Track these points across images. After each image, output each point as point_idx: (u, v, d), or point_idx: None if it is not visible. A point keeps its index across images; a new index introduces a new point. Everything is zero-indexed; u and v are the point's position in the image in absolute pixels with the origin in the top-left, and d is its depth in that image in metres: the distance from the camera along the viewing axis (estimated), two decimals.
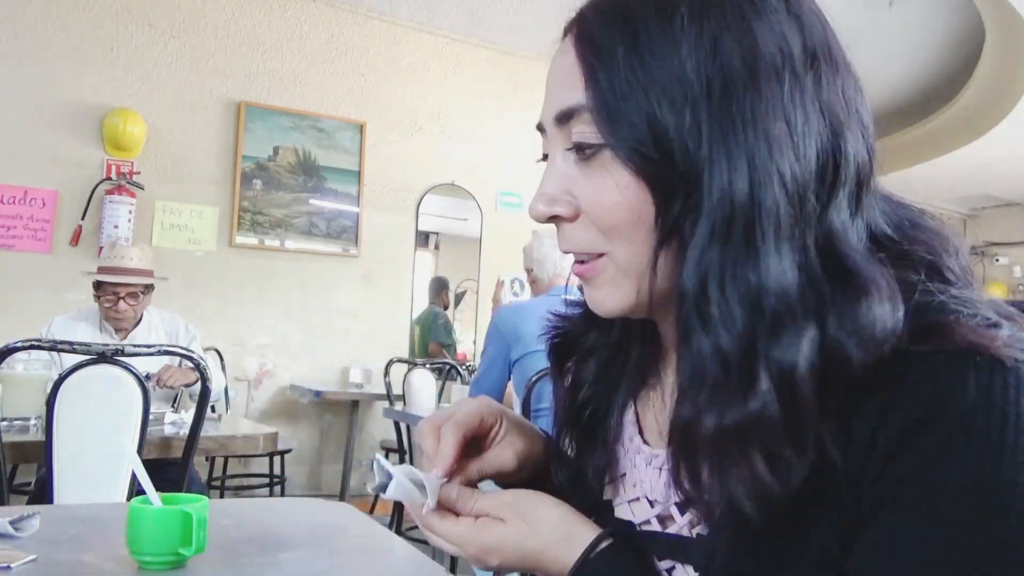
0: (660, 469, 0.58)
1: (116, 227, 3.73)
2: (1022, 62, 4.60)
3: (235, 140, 4.14)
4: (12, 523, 0.83)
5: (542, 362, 2.35)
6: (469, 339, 5.01)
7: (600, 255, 0.53)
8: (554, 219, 0.54)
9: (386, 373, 3.80)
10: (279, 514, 0.99)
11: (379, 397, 4.01)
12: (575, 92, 0.51)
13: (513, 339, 2.45)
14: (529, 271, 2.72)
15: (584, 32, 0.52)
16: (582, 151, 0.51)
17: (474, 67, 4.90)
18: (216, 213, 4.08)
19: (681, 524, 0.56)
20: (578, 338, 0.66)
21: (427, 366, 3.80)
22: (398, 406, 3.55)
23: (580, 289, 0.61)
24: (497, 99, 4.94)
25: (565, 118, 0.52)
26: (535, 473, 0.67)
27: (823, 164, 0.47)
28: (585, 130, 0.51)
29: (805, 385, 0.44)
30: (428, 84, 4.72)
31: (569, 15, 0.55)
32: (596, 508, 0.62)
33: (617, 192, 0.50)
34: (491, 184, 4.90)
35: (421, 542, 2.97)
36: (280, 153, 4.26)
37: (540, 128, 0.56)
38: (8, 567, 0.72)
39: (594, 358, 0.65)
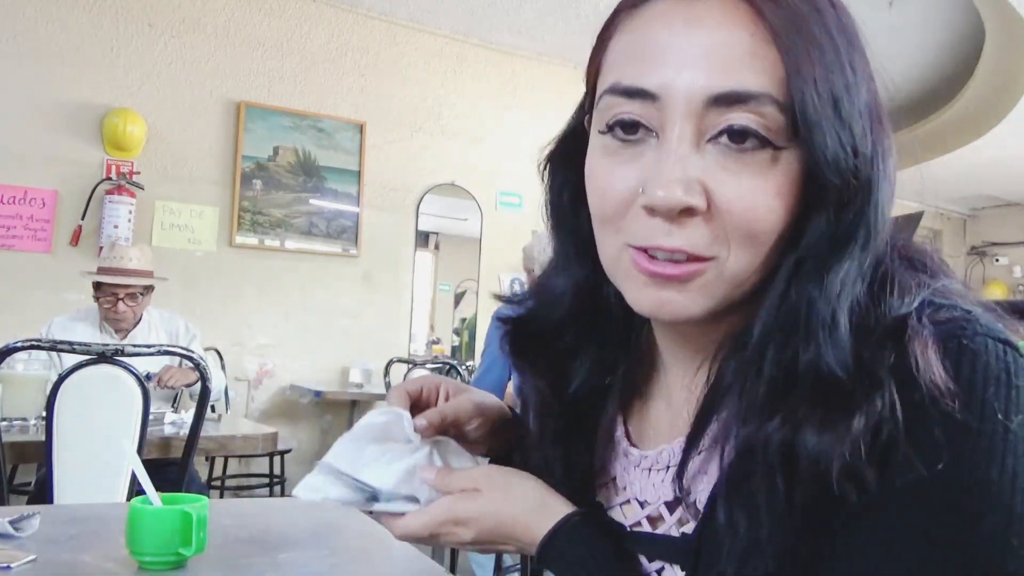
0: (649, 471, 0.58)
1: (116, 227, 3.73)
2: (1022, 62, 4.60)
3: (235, 140, 4.14)
4: (12, 523, 0.83)
5: None
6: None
7: (709, 259, 0.47)
8: (682, 214, 0.46)
9: (386, 373, 3.80)
10: (279, 514, 0.99)
11: (379, 397, 4.01)
12: (759, 76, 0.45)
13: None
14: (530, 271, 2.72)
15: (781, 5, 0.46)
16: (735, 143, 0.45)
17: (474, 67, 4.90)
18: (216, 213, 4.08)
19: (670, 524, 0.56)
20: (536, 331, 0.63)
21: (427, 366, 3.80)
22: None
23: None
24: (497, 99, 4.94)
25: (731, 101, 0.45)
26: (494, 430, 0.70)
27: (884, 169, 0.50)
28: (759, 122, 0.45)
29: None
30: (428, 84, 4.72)
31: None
32: (590, 508, 0.62)
33: (775, 198, 0.46)
34: (491, 184, 4.90)
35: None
36: (280, 153, 4.25)
37: (640, 94, 0.47)
38: (8, 567, 0.72)
39: (579, 361, 0.62)
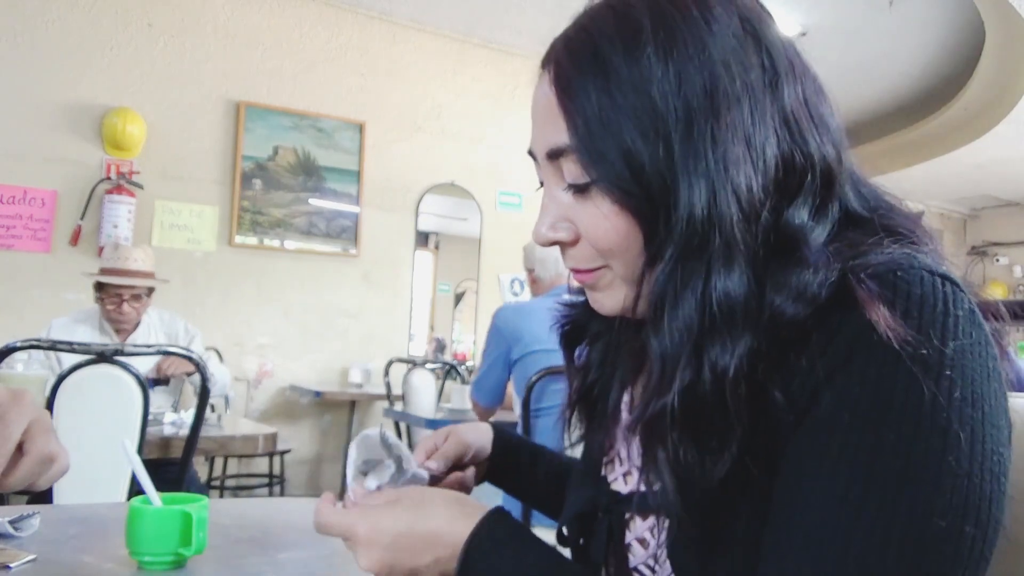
0: None
1: (116, 227, 3.73)
2: (1022, 62, 4.60)
3: (235, 140, 4.14)
4: (12, 523, 0.83)
5: (542, 362, 2.35)
6: (469, 339, 5.01)
7: (600, 267, 0.58)
8: (556, 243, 0.59)
9: (386, 373, 3.80)
10: (279, 514, 0.99)
11: (379, 397, 4.01)
12: (560, 132, 0.55)
13: (513, 339, 2.45)
14: (530, 271, 2.72)
15: (559, 72, 0.56)
16: (578, 184, 0.55)
17: (474, 67, 4.90)
18: (216, 213, 4.08)
19: None
20: (585, 325, 0.71)
21: (426, 366, 3.80)
22: (398, 406, 3.55)
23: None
24: (497, 99, 4.94)
25: (554, 156, 0.56)
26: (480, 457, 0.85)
27: (786, 169, 0.52)
28: (573, 168, 0.55)
29: (732, 387, 0.49)
30: (428, 84, 4.72)
31: (546, 47, 0.61)
32: (596, 483, 0.68)
33: (607, 221, 0.54)
34: (491, 184, 4.90)
35: None
36: (280, 153, 4.25)
37: (532, 155, 0.60)
38: (8, 567, 0.72)
39: (599, 343, 0.71)
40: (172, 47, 4.02)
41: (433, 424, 2.80)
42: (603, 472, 0.68)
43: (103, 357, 1.76)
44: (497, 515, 0.58)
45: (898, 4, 4.32)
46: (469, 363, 4.54)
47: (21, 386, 2.42)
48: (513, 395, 2.68)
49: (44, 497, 1.73)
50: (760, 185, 0.51)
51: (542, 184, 0.60)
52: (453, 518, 0.58)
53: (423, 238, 4.83)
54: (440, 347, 4.87)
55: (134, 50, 3.92)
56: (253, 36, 4.23)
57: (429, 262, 4.97)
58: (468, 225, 4.91)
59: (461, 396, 2.96)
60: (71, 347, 1.74)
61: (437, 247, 5.05)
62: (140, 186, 3.85)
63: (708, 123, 0.51)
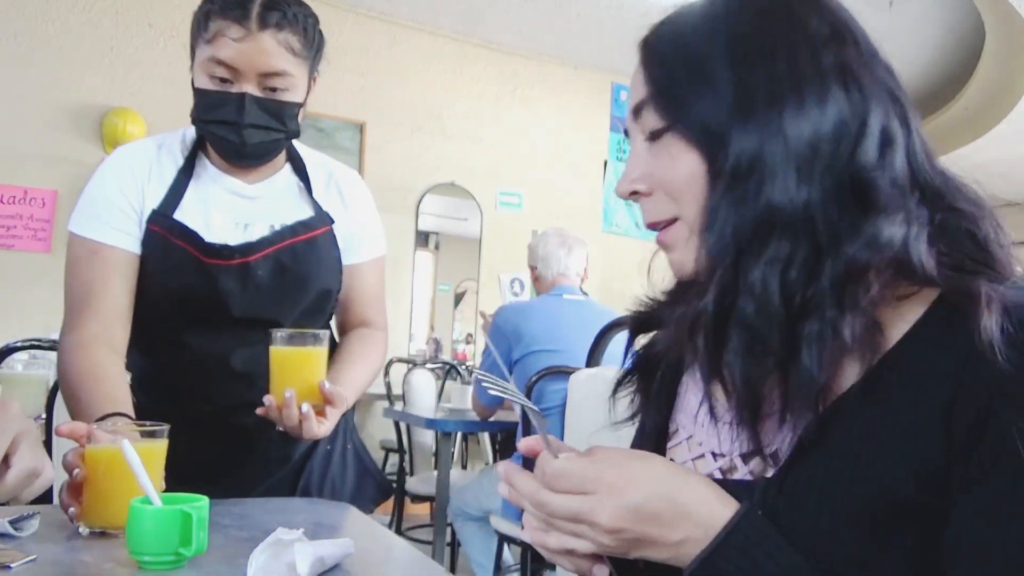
0: (728, 424, 0.63)
1: None
2: (1022, 62, 4.60)
3: None
4: (12, 523, 0.83)
5: (543, 362, 2.35)
6: (469, 339, 5.01)
7: (673, 220, 0.63)
8: (634, 195, 0.65)
9: (386, 373, 3.80)
10: (279, 514, 0.99)
11: (379, 397, 4.01)
12: (640, 89, 0.64)
13: (515, 339, 2.45)
14: (533, 268, 2.72)
15: (646, 45, 0.65)
16: (651, 135, 0.63)
17: (474, 67, 4.90)
18: None
19: (744, 472, 0.62)
20: (659, 315, 0.73)
21: (427, 366, 3.80)
22: (398, 406, 3.55)
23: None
24: (497, 99, 4.94)
25: (637, 111, 0.64)
26: None
27: (845, 122, 0.57)
28: (651, 118, 0.63)
29: (771, 287, 0.55)
30: (428, 84, 4.72)
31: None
32: None
33: (677, 162, 0.61)
34: (491, 184, 4.90)
35: (420, 542, 2.98)
36: None
37: (625, 132, 0.69)
38: (8, 567, 0.72)
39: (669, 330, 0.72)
40: (172, 47, 4.02)
41: (433, 424, 2.80)
42: (669, 456, 0.69)
43: None
44: (755, 511, 0.55)
45: (898, 4, 4.32)
46: (469, 363, 4.54)
47: (21, 386, 2.44)
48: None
49: (44, 497, 1.73)
50: (813, 136, 0.56)
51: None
52: (717, 498, 0.55)
53: (423, 238, 4.83)
54: (438, 347, 4.87)
55: (134, 50, 3.92)
56: None
57: (429, 262, 4.97)
58: (468, 225, 4.91)
59: (461, 396, 2.95)
60: None
61: (437, 247, 5.05)
62: None
63: (765, 74, 0.58)
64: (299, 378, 1.07)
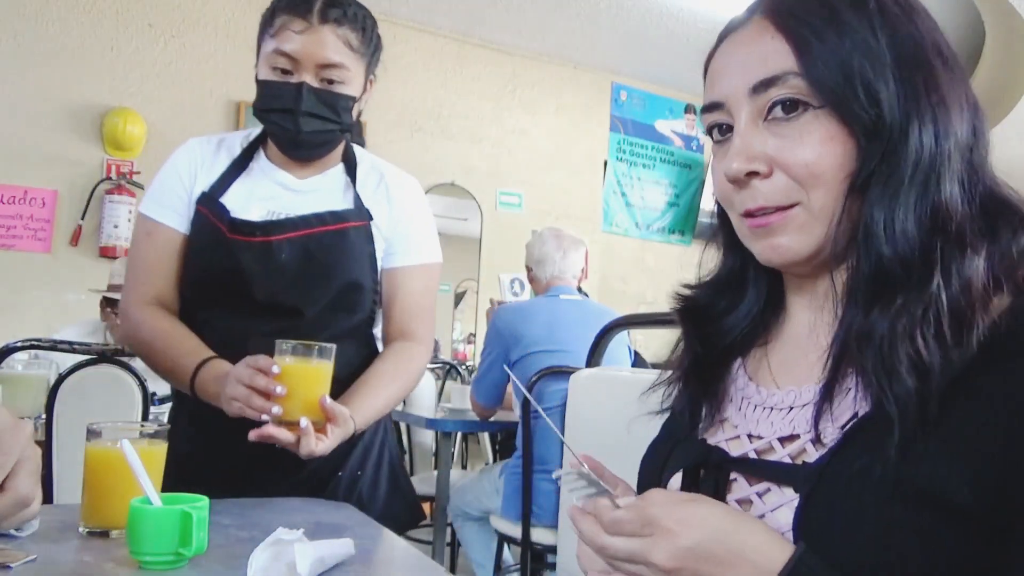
0: (771, 409, 0.65)
1: (116, 227, 3.73)
2: (1022, 62, 4.60)
3: None
4: None
5: (542, 363, 2.35)
6: (469, 339, 5.01)
7: (791, 206, 0.61)
8: (748, 176, 0.62)
9: None
10: (279, 514, 0.99)
11: None
12: (780, 61, 0.60)
13: (513, 340, 2.45)
14: (529, 269, 2.72)
15: (784, 10, 0.62)
16: (785, 113, 0.60)
17: (474, 67, 4.90)
18: None
19: (781, 455, 0.62)
20: (709, 303, 0.75)
21: (427, 366, 3.79)
22: (398, 406, 3.55)
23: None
24: (497, 99, 4.94)
25: (765, 86, 0.61)
26: None
27: (972, 133, 0.61)
28: (789, 94, 0.60)
29: (975, 287, 0.55)
30: (428, 84, 4.72)
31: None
32: (697, 444, 0.70)
33: (821, 146, 0.59)
34: (491, 184, 4.90)
35: (420, 542, 2.98)
36: None
37: (714, 107, 0.65)
38: (8, 567, 0.72)
39: (717, 319, 0.74)
40: (172, 47, 4.02)
41: (433, 424, 2.80)
42: (701, 436, 0.71)
43: (103, 357, 1.76)
44: (810, 552, 0.54)
45: None
46: (469, 363, 4.54)
47: (21, 386, 2.43)
48: (512, 396, 2.68)
49: (44, 497, 1.73)
50: (966, 134, 0.60)
51: (716, 131, 0.66)
52: (772, 540, 0.55)
53: None
54: (437, 347, 4.87)
55: (135, 50, 3.92)
56: (253, 36, 4.21)
57: None
58: (468, 225, 4.91)
59: (461, 396, 2.95)
60: (71, 347, 1.74)
61: None
62: (141, 186, 3.84)
63: (921, 71, 0.59)
64: (300, 392, 1.05)
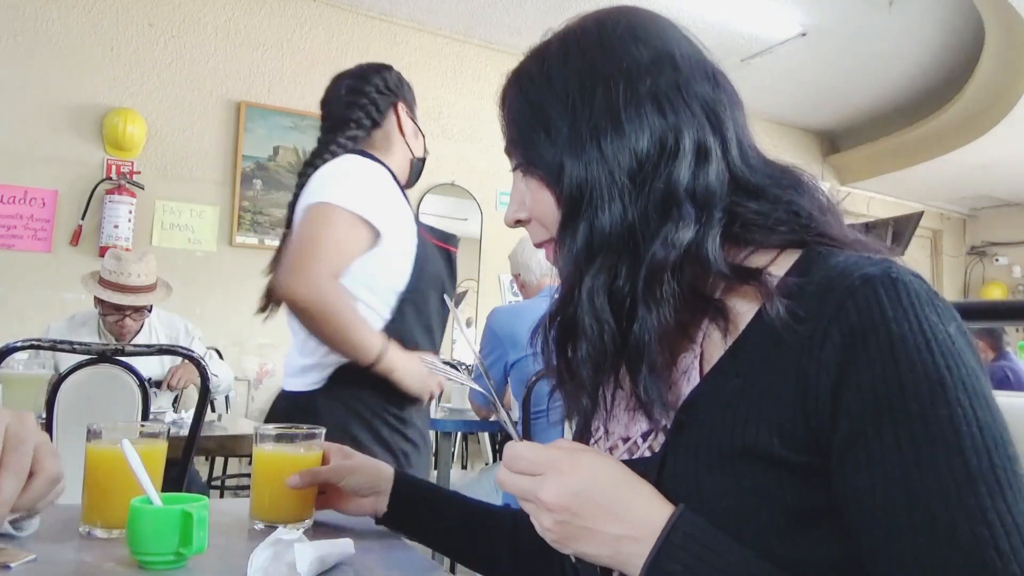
0: (632, 411, 0.68)
1: (116, 227, 3.73)
2: (1022, 62, 4.60)
3: (235, 140, 4.14)
4: (12, 523, 0.83)
5: (540, 364, 2.35)
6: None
7: (550, 240, 0.70)
8: (519, 223, 0.73)
9: None
10: None
11: None
12: (505, 136, 0.73)
13: (510, 342, 2.45)
14: (516, 275, 2.73)
15: (502, 95, 0.74)
16: (515, 172, 0.72)
17: (474, 67, 4.90)
18: (216, 213, 4.08)
19: (643, 448, 0.67)
20: None
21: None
22: None
23: None
24: (497, 99, 4.93)
25: (507, 152, 0.73)
26: (378, 492, 0.96)
27: (662, 143, 0.63)
28: (514, 160, 0.72)
29: (598, 298, 0.63)
30: (428, 84, 4.71)
31: (548, 29, 0.75)
32: None
33: (534, 195, 0.70)
34: (491, 184, 4.90)
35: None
36: (280, 153, 4.26)
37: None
38: (8, 567, 0.72)
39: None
40: (172, 47, 4.02)
41: (433, 424, 2.80)
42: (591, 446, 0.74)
43: (103, 357, 1.77)
44: (690, 511, 0.57)
45: (898, 4, 4.32)
46: (469, 363, 4.53)
47: (21, 386, 2.43)
48: (511, 398, 2.69)
49: None
50: (633, 159, 0.63)
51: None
52: (656, 501, 0.58)
53: None
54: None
55: (135, 50, 3.92)
56: (253, 36, 4.23)
57: None
58: (468, 225, 4.91)
59: (461, 396, 2.96)
60: (71, 347, 1.74)
61: None
62: (141, 186, 3.85)
63: (587, 116, 0.64)
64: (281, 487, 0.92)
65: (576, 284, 0.64)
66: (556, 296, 0.67)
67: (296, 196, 1.55)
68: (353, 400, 1.47)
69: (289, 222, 1.56)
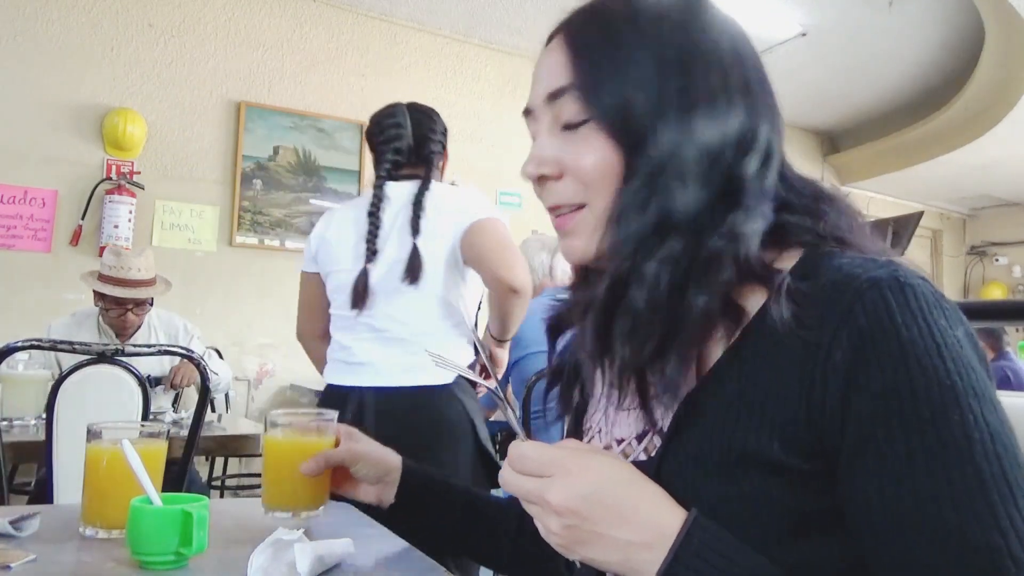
0: (628, 410, 0.67)
1: (116, 227, 3.72)
2: (1022, 62, 4.60)
3: (235, 140, 4.14)
4: (12, 523, 0.83)
5: (540, 363, 2.35)
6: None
7: (579, 207, 0.65)
8: (541, 179, 0.67)
9: None
10: None
11: None
12: (563, 75, 0.64)
13: (512, 342, 2.45)
14: None
15: (570, 32, 0.67)
16: (569, 123, 0.64)
17: (474, 67, 4.90)
18: (216, 213, 4.08)
19: (638, 451, 0.65)
20: (567, 314, 0.75)
21: None
22: None
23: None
24: (497, 99, 4.94)
25: (553, 97, 0.65)
26: (387, 481, 0.96)
27: (742, 134, 0.62)
28: (571, 107, 0.64)
29: (663, 284, 0.59)
30: (428, 84, 4.72)
31: (558, 21, 0.69)
32: None
33: (596, 154, 0.63)
34: (491, 184, 4.90)
35: None
36: (280, 153, 4.26)
37: (527, 112, 0.69)
38: (8, 567, 0.72)
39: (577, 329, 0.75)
40: (172, 47, 4.02)
41: None
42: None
43: (103, 357, 1.77)
44: (703, 516, 0.55)
45: (898, 4, 4.32)
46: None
47: (21, 386, 2.42)
48: (512, 397, 2.68)
49: (44, 497, 1.73)
50: (721, 140, 0.61)
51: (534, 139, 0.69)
52: (667, 504, 0.56)
53: None
54: None
55: (134, 50, 3.92)
56: (253, 36, 4.23)
57: None
58: None
59: None
60: (71, 347, 1.74)
61: None
62: (141, 186, 3.85)
63: (685, 85, 0.61)
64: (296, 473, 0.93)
65: (634, 262, 0.60)
66: (611, 268, 0.61)
67: (419, 201, 1.76)
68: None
69: (416, 229, 1.75)
